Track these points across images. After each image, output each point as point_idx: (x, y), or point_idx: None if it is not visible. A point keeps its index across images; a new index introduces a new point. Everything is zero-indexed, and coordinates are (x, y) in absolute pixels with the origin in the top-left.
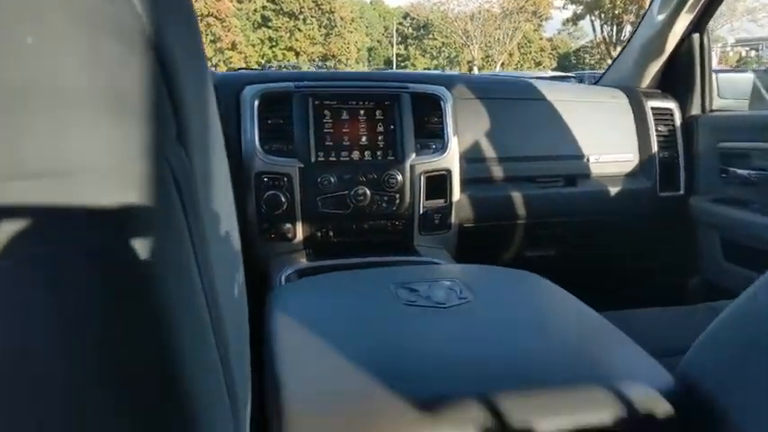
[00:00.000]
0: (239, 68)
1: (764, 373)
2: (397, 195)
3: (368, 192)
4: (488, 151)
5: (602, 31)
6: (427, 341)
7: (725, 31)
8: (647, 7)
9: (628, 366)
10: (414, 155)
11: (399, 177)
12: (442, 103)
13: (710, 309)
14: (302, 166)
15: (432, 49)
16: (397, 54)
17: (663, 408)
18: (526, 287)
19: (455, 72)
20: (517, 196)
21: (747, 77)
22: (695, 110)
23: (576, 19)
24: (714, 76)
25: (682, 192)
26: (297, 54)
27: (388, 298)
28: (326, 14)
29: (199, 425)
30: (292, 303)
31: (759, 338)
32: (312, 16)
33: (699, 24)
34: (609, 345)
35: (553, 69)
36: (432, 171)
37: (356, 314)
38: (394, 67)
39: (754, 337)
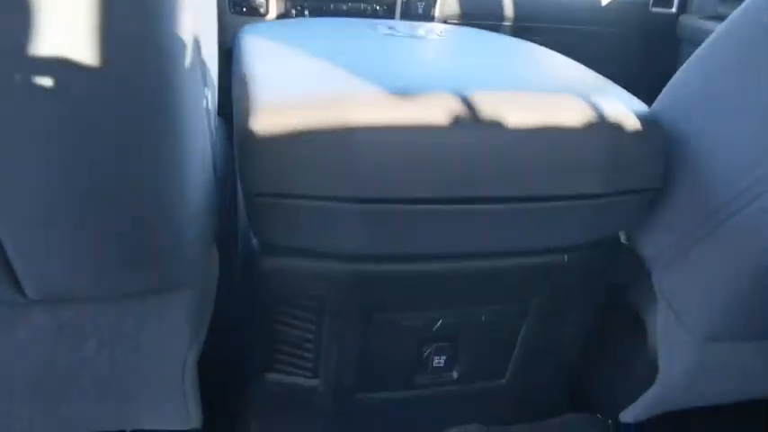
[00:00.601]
0: None
1: (730, 96)
2: None
3: None
4: None
5: None
6: (404, 56)
7: None
8: None
9: (605, 90)
10: None
11: None
12: None
13: None
14: None
15: None
16: None
17: (632, 124)
18: (515, 41)
19: None
20: None
21: None
22: None
23: None
24: None
25: (674, 9)
26: None
27: (367, 29)
28: None
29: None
30: (262, 32)
31: (732, 63)
32: None
33: None
34: (590, 77)
35: None
36: None
37: (331, 36)
38: None
39: (726, 62)
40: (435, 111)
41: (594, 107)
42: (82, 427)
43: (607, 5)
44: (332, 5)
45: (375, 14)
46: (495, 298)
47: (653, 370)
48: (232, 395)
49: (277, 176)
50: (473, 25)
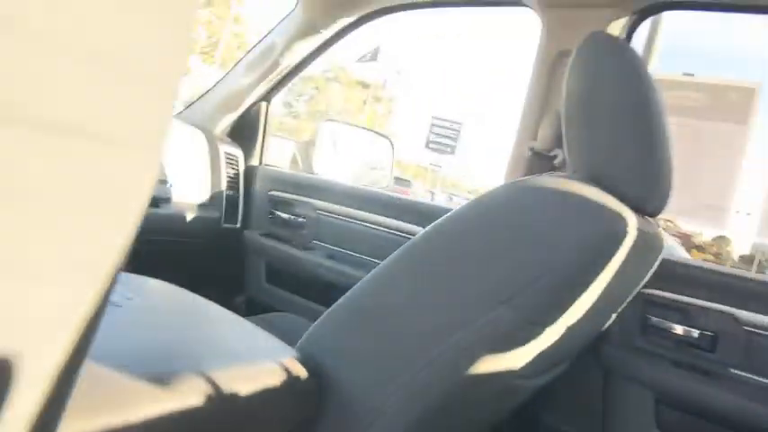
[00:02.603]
0: None
1: (361, 339)
2: None
3: None
4: None
5: None
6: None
7: None
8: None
9: (254, 346)
10: None
11: None
12: None
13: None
14: None
15: None
16: None
17: (285, 378)
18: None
19: None
20: None
21: (291, 145)
22: (254, 161)
23: None
24: (269, 137)
25: (239, 225)
26: None
27: None
28: None
29: None
30: None
31: (359, 313)
32: None
33: (268, 95)
34: (234, 331)
35: None
36: None
37: None
38: None
39: (356, 311)
40: None
41: (244, 373)
42: None
43: (191, 221)
44: None
45: None
46: None
47: None
48: None
49: None
50: None
